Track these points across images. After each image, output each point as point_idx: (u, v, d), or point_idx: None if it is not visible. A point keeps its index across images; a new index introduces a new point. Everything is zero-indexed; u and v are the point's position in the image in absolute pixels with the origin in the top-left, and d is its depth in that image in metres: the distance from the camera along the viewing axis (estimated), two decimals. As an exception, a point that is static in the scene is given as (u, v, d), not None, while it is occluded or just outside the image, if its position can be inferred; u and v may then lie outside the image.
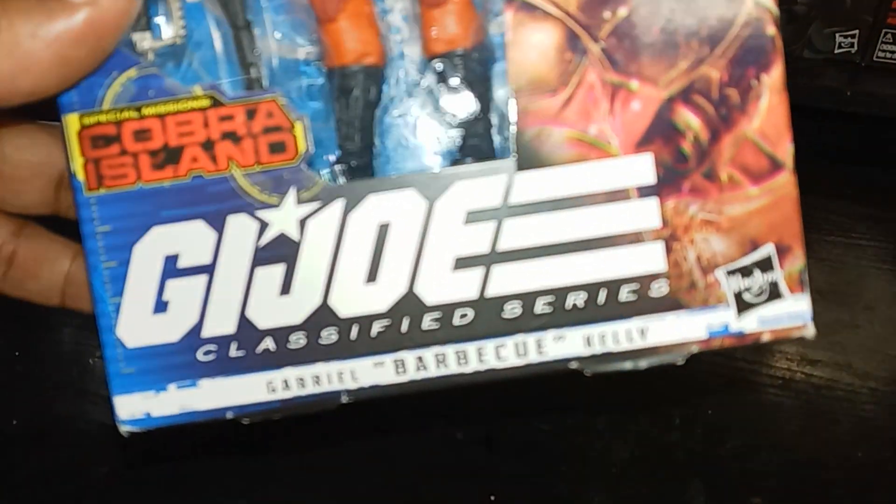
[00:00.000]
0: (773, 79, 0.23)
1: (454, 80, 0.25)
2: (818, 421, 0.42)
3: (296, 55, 0.25)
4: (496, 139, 0.25)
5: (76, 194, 0.23)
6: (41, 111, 0.24)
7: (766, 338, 0.24)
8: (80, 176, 0.23)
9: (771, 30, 0.23)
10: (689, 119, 0.23)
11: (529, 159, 0.23)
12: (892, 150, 0.68)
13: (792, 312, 0.24)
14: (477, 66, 0.25)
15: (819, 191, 0.62)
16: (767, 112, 0.23)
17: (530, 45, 0.23)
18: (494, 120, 0.25)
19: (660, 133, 0.23)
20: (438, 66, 0.25)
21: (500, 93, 0.25)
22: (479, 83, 0.25)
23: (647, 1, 0.22)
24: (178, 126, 0.23)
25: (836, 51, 0.68)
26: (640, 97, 0.23)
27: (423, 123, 0.26)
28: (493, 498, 0.40)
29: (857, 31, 0.68)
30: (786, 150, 0.23)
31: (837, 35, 0.68)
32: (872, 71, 0.68)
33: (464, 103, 0.25)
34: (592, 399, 0.42)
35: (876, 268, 0.55)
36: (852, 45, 0.68)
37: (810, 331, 0.24)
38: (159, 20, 0.24)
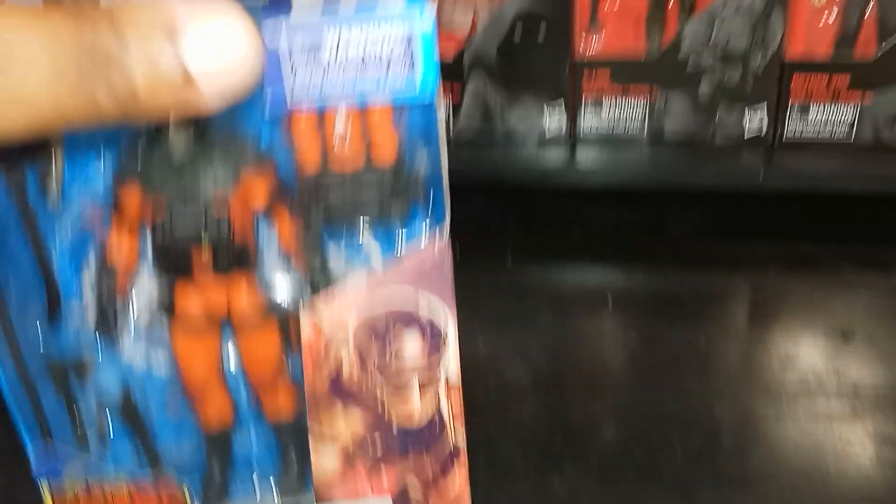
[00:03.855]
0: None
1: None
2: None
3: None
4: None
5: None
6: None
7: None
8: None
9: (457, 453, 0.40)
10: None
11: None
12: (811, 225, 0.72)
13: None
14: (301, 435, 0.41)
15: (740, 271, 0.69)
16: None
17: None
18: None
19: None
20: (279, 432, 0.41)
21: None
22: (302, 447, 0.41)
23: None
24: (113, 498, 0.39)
25: (746, 136, 0.71)
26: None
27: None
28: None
29: (765, 102, 0.70)
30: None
31: (747, 110, 0.71)
32: (784, 149, 0.71)
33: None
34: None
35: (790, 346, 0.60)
36: (760, 129, 0.71)
37: None
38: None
